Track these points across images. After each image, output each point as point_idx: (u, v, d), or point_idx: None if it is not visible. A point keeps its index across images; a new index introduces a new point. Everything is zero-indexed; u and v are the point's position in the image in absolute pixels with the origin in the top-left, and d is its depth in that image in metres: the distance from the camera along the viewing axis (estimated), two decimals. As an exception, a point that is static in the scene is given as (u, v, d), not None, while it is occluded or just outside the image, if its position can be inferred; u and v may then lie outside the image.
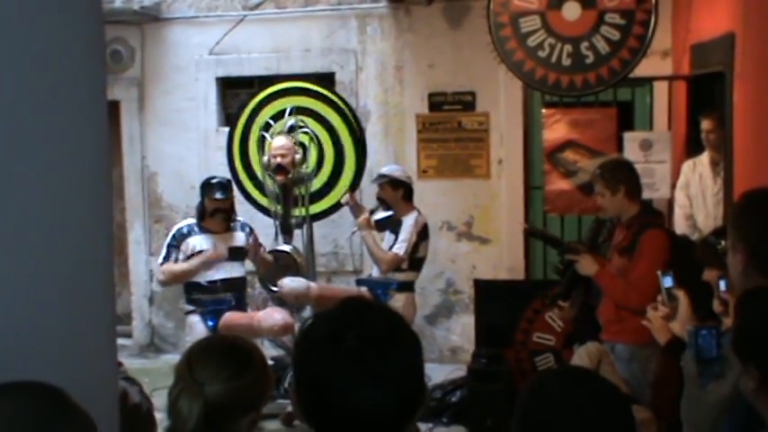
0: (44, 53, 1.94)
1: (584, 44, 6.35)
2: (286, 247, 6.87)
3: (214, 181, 6.45)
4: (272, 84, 7.40)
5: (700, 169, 6.68)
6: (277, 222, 7.01)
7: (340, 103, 7.21)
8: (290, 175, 6.84)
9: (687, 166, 6.80)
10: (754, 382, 2.06)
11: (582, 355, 5.14)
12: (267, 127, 7.07)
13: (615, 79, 6.40)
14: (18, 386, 1.68)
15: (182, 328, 7.14)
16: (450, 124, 8.34)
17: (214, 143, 8.58)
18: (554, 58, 6.40)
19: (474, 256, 8.37)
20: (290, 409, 6.55)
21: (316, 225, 7.30)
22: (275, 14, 8.62)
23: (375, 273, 6.76)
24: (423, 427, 6.31)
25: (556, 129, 6.76)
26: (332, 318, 1.76)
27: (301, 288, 6.46)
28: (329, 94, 7.23)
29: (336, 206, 7.25)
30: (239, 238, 6.49)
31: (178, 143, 8.82)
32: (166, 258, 6.45)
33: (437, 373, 7.15)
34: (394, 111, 8.47)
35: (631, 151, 6.70)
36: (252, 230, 6.59)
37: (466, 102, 8.29)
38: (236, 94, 8.80)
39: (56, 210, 1.97)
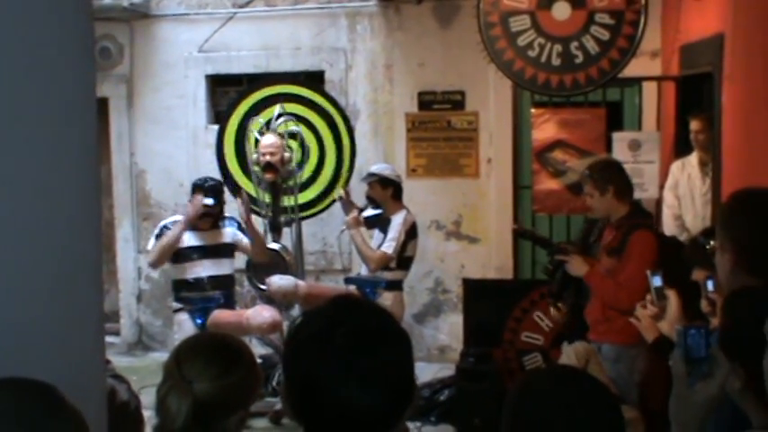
0: (33, 50, 1.94)
1: (574, 44, 6.36)
2: (275, 246, 6.86)
3: (207, 185, 6.37)
4: (262, 84, 7.37)
5: (688, 169, 6.71)
6: (266, 221, 7.00)
7: (329, 108, 7.19)
8: (279, 174, 6.83)
9: (676, 166, 6.82)
10: (741, 382, 2.06)
11: (570, 355, 5.15)
12: (256, 123, 7.05)
13: (604, 79, 6.42)
14: (9, 382, 1.68)
15: (169, 325, 7.13)
16: (439, 123, 8.34)
17: (203, 141, 8.56)
18: (544, 58, 6.41)
19: (463, 255, 8.38)
20: (278, 407, 6.55)
21: (304, 223, 7.30)
22: (265, 12, 8.61)
23: (364, 271, 6.76)
24: (411, 425, 6.32)
25: (545, 128, 6.77)
26: (322, 315, 1.76)
27: (290, 286, 6.46)
28: (319, 100, 7.19)
29: (326, 205, 7.26)
30: (227, 235, 6.47)
31: (167, 141, 8.80)
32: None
33: (425, 371, 7.16)
34: (383, 109, 8.47)
35: (620, 151, 6.71)
36: (239, 224, 6.54)
37: (455, 101, 8.30)
38: (226, 91, 8.79)
39: (44, 207, 1.96)
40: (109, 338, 8.54)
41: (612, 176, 5.21)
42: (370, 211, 6.80)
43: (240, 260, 6.79)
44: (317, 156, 7.16)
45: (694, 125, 6.59)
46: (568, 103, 6.86)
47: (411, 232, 6.64)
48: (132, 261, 9.03)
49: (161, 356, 6.74)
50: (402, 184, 6.80)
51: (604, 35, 6.33)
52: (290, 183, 6.98)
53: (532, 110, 6.94)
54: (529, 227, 6.96)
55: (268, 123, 6.96)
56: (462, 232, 8.39)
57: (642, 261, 4.71)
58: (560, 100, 6.81)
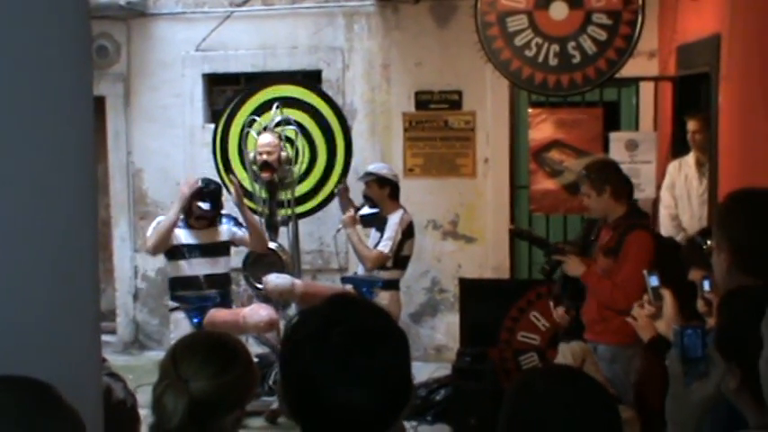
0: (30, 48, 1.94)
1: (571, 44, 6.37)
2: (271, 245, 6.86)
3: (206, 189, 6.32)
4: (259, 86, 7.35)
5: (685, 170, 6.71)
6: (262, 220, 7.00)
7: (326, 109, 7.18)
8: (276, 173, 6.83)
9: (673, 166, 6.82)
10: (736, 382, 2.07)
11: (566, 354, 5.15)
12: (252, 123, 7.04)
13: (601, 79, 6.42)
14: (6, 381, 1.68)
15: (166, 324, 7.13)
16: (436, 123, 8.34)
17: (200, 140, 8.55)
18: (541, 58, 6.41)
19: (459, 254, 8.38)
20: (274, 406, 6.54)
21: (301, 223, 7.30)
22: (262, 11, 8.61)
23: (360, 271, 6.76)
24: (407, 425, 6.31)
25: (542, 128, 6.78)
26: (318, 314, 1.76)
27: (286, 285, 6.46)
28: (315, 101, 7.19)
29: (322, 203, 7.26)
30: (223, 233, 6.46)
31: (164, 139, 8.79)
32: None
33: (422, 371, 7.15)
34: (380, 109, 8.47)
35: (617, 151, 6.72)
36: (235, 220, 6.51)
37: (452, 101, 8.30)
38: (223, 90, 8.78)
39: (40, 206, 1.96)
40: (105, 337, 8.54)
41: (609, 177, 5.22)
42: (366, 210, 6.79)
43: (236, 259, 6.79)
44: (309, 156, 7.14)
45: (691, 125, 6.59)
46: (565, 103, 6.87)
47: (408, 231, 6.64)
48: (129, 260, 9.02)
49: (157, 355, 6.73)
50: (399, 184, 6.80)
51: (601, 35, 6.34)
52: (287, 182, 6.98)
53: (529, 110, 6.95)
54: (525, 227, 6.97)
55: (265, 127, 6.96)
56: (459, 232, 8.39)
57: (639, 261, 4.71)
58: (557, 100, 6.82)
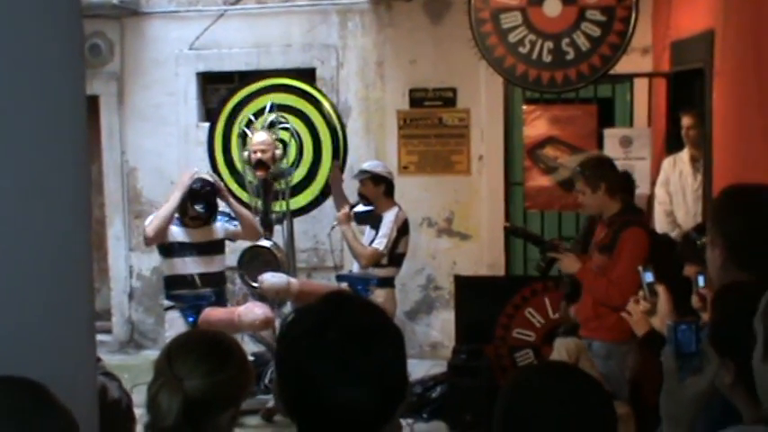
0: (22, 47, 1.93)
1: (565, 40, 6.37)
2: (266, 243, 6.85)
3: (201, 191, 6.30)
4: (253, 79, 7.37)
5: (680, 166, 6.72)
6: (257, 218, 6.99)
7: (322, 98, 7.19)
8: (270, 171, 6.82)
9: (667, 162, 6.83)
10: (731, 377, 2.07)
11: (560, 351, 5.16)
12: (248, 123, 7.04)
13: (595, 76, 6.42)
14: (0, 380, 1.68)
15: (161, 323, 7.11)
16: (430, 120, 8.34)
17: (194, 138, 8.54)
18: (535, 55, 6.41)
19: (454, 252, 8.38)
20: (270, 404, 6.54)
21: (296, 221, 7.29)
22: (256, 9, 8.60)
23: (355, 268, 6.76)
24: (403, 422, 6.32)
25: (536, 125, 6.78)
26: (314, 312, 1.76)
27: (282, 283, 6.46)
28: (310, 90, 7.20)
29: (317, 201, 7.25)
30: (218, 231, 6.45)
31: (158, 138, 8.79)
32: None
33: (417, 368, 7.16)
34: (375, 106, 8.46)
35: (611, 148, 6.73)
36: (229, 216, 6.50)
37: (447, 98, 8.30)
38: (217, 89, 8.77)
39: (33, 205, 1.96)
40: (101, 337, 8.52)
41: (604, 173, 5.22)
42: (361, 207, 6.79)
43: (231, 257, 6.79)
44: (307, 154, 7.14)
45: (685, 121, 6.60)
46: (559, 100, 6.87)
47: (403, 229, 6.64)
48: (124, 259, 9.01)
49: (153, 354, 6.71)
50: (394, 181, 6.80)
51: (595, 32, 6.34)
52: (282, 184, 6.97)
53: (524, 106, 6.95)
54: (520, 224, 6.97)
55: (256, 114, 6.95)
56: (454, 229, 8.39)
57: (633, 258, 4.72)
58: (551, 96, 6.82)
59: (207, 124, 7.72)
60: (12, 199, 1.92)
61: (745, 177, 4.59)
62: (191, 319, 6.29)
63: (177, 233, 6.31)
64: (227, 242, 6.57)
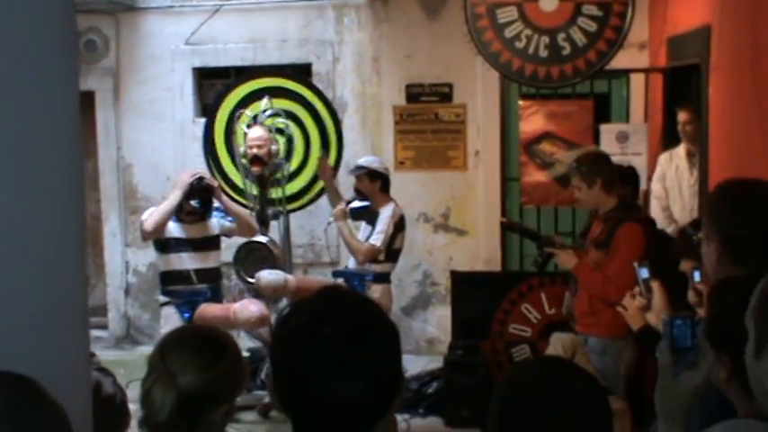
0: (14, 42, 1.92)
1: (562, 35, 6.37)
2: (262, 239, 6.84)
3: (197, 186, 6.29)
4: (249, 77, 7.33)
5: (676, 161, 6.72)
6: (253, 214, 6.98)
7: (316, 102, 7.16)
8: (266, 166, 6.81)
9: (664, 157, 6.83)
10: (726, 372, 2.07)
11: (556, 346, 5.16)
12: (242, 116, 7.02)
13: (592, 71, 6.42)
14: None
15: (157, 319, 7.11)
16: (427, 116, 8.33)
17: (190, 134, 8.52)
18: (531, 50, 6.41)
19: (451, 247, 8.38)
20: (266, 400, 6.54)
21: (292, 216, 7.28)
22: (252, 4, 8.58)
23: (351, 264, 6.75)
24: (399, 418, 6.32)
25: (533, 120, 6.78)
26: (308, 307, 1.75)
27: (279, 281, 6.44)
28: (305, 93, 7.16)
29: (313, 198, 7.25)
30: (213, 227, 6.45)
31: (154, 134, 8.77)
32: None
33: (414, 364, 7.16)
34: (371, 102, 8.46)
35: (608, 143, 6.73)
36: (224, 212, 6.49)
37: (443, 93, 8.29)
38: (213, 84, 8.75)
39: (26, 201, 1.95)
40: (97, 332, 8.53)
41: (600, 169, 5.21)
42: (357, 203, 6.78)
43: (227, 253, 6.78)
44: (303, 148, 7.12)
45: (682, 116, 6.60)
46: (556, 95, 6.87)
47: (399, 225, 6.63)
48: (120, 255, 9.00)
49: (149, 350, 6.69)
50: (390, 177, 6.80)
51: (592, 27, 6.34)
52: (278, 175, 6.97)
53: (520, 102, 6.95)
54: (517, 219, 6.97)
55: (255, 117, 6.93)
56: (450, 225, 8.39)
57: (629, 254, 4.72)
58: (548, 92, 6.82)
59: (203, 120, 7.70)
60: (4, 195, 1.91)
61: (742, 172, 4.59)
62: (186, 315, 6.28)
63: (173, 229, 6.30)
64: (222, 238, 6.57)
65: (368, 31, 8.43)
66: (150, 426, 2.31)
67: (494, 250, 8.10)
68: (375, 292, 6.40)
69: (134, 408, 2.58)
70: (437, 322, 8.31)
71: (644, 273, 3.73)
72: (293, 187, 7.13)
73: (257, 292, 6.58)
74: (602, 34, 6.32)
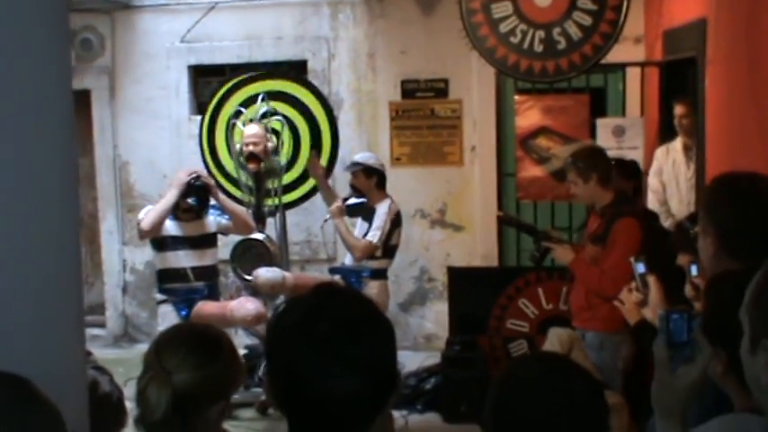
0: (6, 42, 1.91)
1: (557, 30, 6.36)
2: (259, 236, 6.84)
3: (195, 184, 6.28)
4: (244, 82, 7.28)
5: (673, 155, 6.72)
6: (250, 211, 6.97)
7: (310, 101, 7.14)
8: (262, 164, 6.80)
9: (660, 151, 6.83)
10: (723, 366, 2.06)
11: (553, 341, 5.17)
12: (239, 114, 7.01)
13: (587, 65, 6.42)
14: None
15: (155, 317, 7.09)
16: (423, 111, 8.33)
17: (186, 132, 8.52)
18: (526, 45, 6.40)
19: (447, 243, 8.38)
20: (264, 397, 6.53)
21: (289, 213, 7.27)
22: (247, 2, 8.57)
23: (348, 261, 6.75)
24: (397, 414, 6.32)
25: (529, 115, 6.77)
26: (303, 304, 1.75)
27: (277, 279, 6.44)
28: (299, 93, 7.13)
29: (309, 194, 7.24)
30: (210, 225, 6.44)
31: (150, 132, 8.76)
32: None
33: (411, 360, 7.16)
34: (367, 98, 8.45)
35: (604, 137, 6.72)
36: (221, 210, 6.49)
37: (439, 89, 8.29)
38: (208, 82, 8.74)
39: (20, 201, 1.94)
40: (95, 331, 8.53)
41: (596, 164, 5.21)
42: (353, 200, 6.77)
43: (224, 251, 6.77)
44: (293, 143, 7.09)
45: (678, 110, 6.60)
46: (551, 90, 6.86)
47: (396, 221, 6.63)
48: (117, 253, 8.99)
49: (147, 348, 6.72)
50: (386, 173, 6.79)
51: (587, 21, 6.33)
52: (275, 183, 6.95)
53: (516, 97, 6.93)
54: (513, 214, 6.97)
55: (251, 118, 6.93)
56: (447, 220, 8.39)
57: (625, 249, 4.72)
58: (544, 86, 6.81)
59: (199, 117, 7.69)
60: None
61: (739, 166, 4.59)
62: (183, 313, 6.28)
63: (170, 227, 6.29)
64: (219, 236, 6.56)
65: (363, 27, 8.42)
66: (146, 424, 2.31)
67: (491, 246, 8.10)
68: (372, 288, 6.40)
69: (131, 406, 2.58)
70: (434, 318, 8.31)
71: (640, 267, 3.73)
72: (288, 177, 7.11)
73: (254, 290, 6.57)
74: (598, 28, 6.31)
